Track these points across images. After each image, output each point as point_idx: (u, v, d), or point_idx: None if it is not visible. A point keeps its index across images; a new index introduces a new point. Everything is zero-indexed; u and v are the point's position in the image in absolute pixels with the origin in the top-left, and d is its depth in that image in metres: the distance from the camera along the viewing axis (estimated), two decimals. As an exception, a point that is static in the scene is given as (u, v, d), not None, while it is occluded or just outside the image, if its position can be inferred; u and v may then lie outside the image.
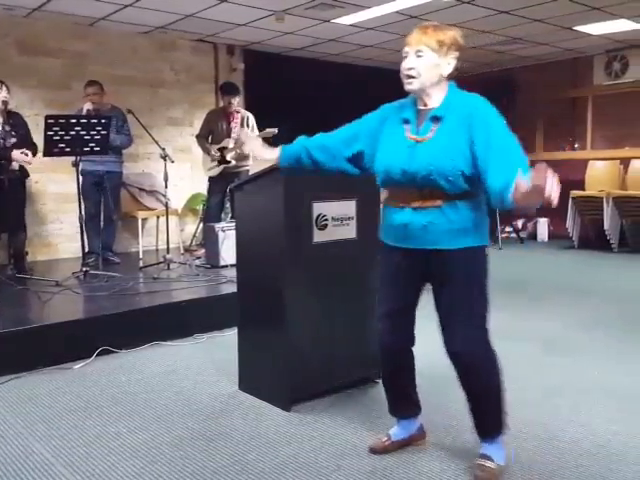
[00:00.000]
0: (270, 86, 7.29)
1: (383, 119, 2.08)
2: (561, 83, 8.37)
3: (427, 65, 1.91)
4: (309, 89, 7.58)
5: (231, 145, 5.57)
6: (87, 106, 5.16)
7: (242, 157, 5.65)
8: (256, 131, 5.67)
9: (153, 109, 6.63)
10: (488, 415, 2.10)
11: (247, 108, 6.55)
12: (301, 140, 2.22)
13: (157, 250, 6.33)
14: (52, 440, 2.43)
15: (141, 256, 5.79)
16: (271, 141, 5.57)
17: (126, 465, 2.22)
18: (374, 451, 2.27)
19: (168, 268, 5.03)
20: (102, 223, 5.56)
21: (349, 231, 2.85)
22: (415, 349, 2.20)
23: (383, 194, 2.18)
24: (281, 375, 2.70)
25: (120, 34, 6.36)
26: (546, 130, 8.82)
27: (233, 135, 5.61)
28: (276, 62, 7.50)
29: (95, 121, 4.63)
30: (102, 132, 4.62)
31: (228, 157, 5.58)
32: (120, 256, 5.75)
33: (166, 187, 5.19)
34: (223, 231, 5.07)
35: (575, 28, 6.60)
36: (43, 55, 5.96)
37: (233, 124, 5.65)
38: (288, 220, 2.63)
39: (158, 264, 5.20)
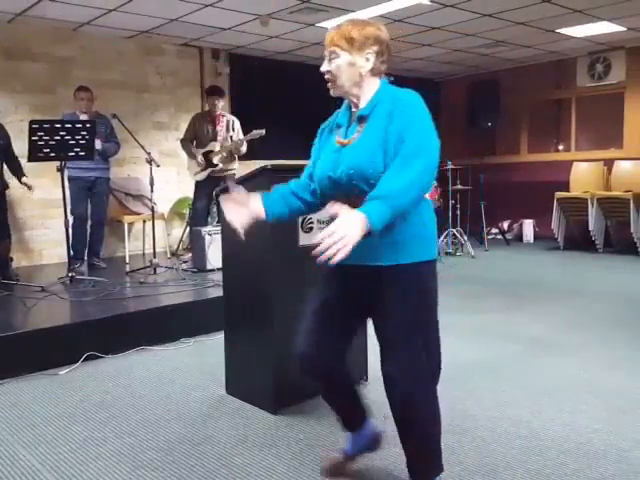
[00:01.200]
0: (256, 89, 7.31)
1: (320, 135, 1.95)
2: (545, 85, 8.47)
3: (341, 66, 1.78)
4: (295, 92, 7.60)
5: (217, 148, 5.58)
6: (83, 117, 5.16)
7: (228, 160, 5.65)
8: (241, 134, 5.69)
9: (139, 113, 6.61)
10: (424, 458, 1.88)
11: (233, 111, 6.57)
12: (281, 188, 1.97)
13: (144, 254, 6.31)
14: (38, 446, 2.42)
15: (127, 261, 5.77)
16: (256, 142, 5.59)
17: (113, 470, 2.22)
18: (328, 473, 2.09)
19: (154, 272, 5.02)
20: (90, 229, 5.55)
21: (334, 234, 2.86)
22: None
23: None
24: (268, 378, 2.70)
25: (105, 38, 6.35)
26: (530, 132, 8.91)
27: (219, 138, 5.62)
28: (261, 66, 7.51)
29: (80, 126, 4.61)
30: (87, 137, 4.60)
31: (215, 160, 5.58)
32: (106, 261, 5.72)
33: (152, 191, 5.18)
34: (209, 235, 5.07)
35: (558, 31, 6.69)
36: (27, 60, 5.93)
37: (219, 127, 5.66)
38: (274, 223, 2.63)
39: (145, 268, 5.19)
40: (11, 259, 5.05)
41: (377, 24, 1.86)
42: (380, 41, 1.82)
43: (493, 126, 8.71)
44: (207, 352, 3.57)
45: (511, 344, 3.65)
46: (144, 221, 6.37)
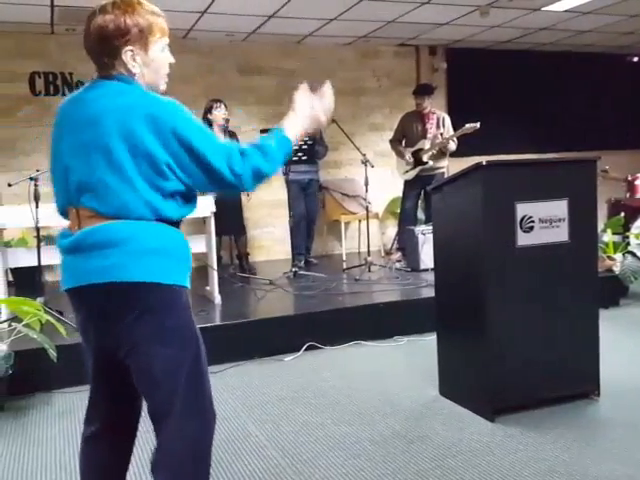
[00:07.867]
0: (474, 83, 7.09)
1: None
2: None
3: None
4: (518, 83, 7.22)
5: (427, 146, 5.53)
6: None
7: (438, 158, 5.56)
8: (451, 131, 5.56)
9: (355, 116, 6.87)
10: None
11: (449, 107, 6.46)
12: None
13: (359, 253, 6.53)
14: (265, 424, 2.65)
15: (344, 258, 6.04)
16: (471, 138, 5.39)
17: (330, 455, 2.33)
18: None
19: (369, 270, 5.17)
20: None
21: (560, 234, 2.64)
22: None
23: None
24: (484, 384, 2.59)
25: (325, 48, 6.73)
26: None
27: (429, 136, 5.56)
28: (480, 58, 7.25)
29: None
30: (309, 142, 4.98)
31: (424, 158, 5.54)
32: (325, 258, 6.07)
33: (367, 191, 5.34)
34: (423, 234, 5.05)
35: None
36: (258, 74, 6.56)
37: (429, 125, 5.61)
38: (488, 222, 2.52)
39: (360, 266, 5.37)
40: (247, 254, 5.67)
41: None
42: None
43: None
44: (419, 351, 3.56)
45: None
46: (359, 220, 6.59)
